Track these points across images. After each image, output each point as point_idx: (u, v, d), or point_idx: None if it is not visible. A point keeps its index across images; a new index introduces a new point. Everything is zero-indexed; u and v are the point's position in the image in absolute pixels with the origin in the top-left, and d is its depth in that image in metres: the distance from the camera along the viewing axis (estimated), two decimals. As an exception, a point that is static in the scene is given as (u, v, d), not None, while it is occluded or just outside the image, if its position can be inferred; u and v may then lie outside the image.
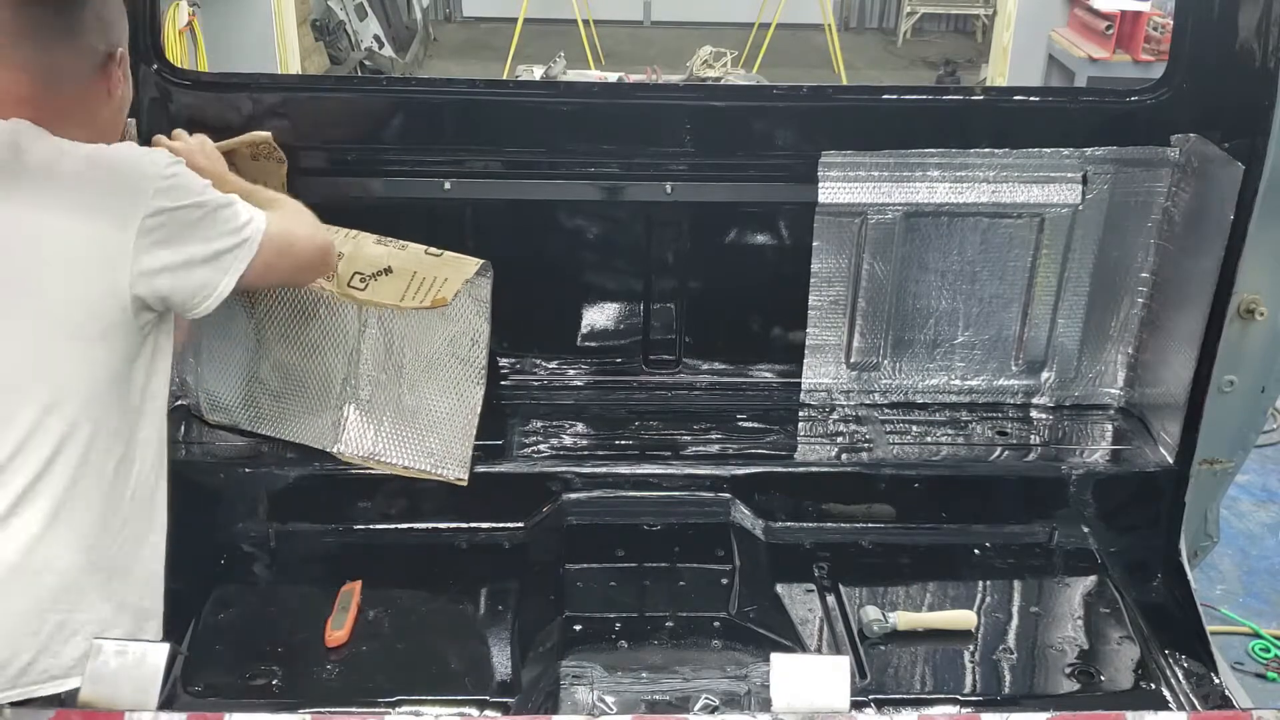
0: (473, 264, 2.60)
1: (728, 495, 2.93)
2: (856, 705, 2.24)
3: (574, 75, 9.30)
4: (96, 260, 1.98)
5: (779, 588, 2.78)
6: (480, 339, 2.72)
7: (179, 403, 3.05)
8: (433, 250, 2.63)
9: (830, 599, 2.75)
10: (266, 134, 2.71)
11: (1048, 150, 2.91)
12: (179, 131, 2.56)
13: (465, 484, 2.81)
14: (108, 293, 1.99)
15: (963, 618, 2.68)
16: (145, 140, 2.53)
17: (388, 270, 2.56)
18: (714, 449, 3.04)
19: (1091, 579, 2.86)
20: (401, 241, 2.66)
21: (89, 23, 2.08)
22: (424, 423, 2.81)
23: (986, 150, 2.92)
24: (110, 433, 2.06)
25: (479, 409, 2.76)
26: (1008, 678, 2.58)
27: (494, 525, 2.90)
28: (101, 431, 2.04)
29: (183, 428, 3.00)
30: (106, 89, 2.13)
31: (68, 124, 2.05)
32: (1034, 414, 3.21)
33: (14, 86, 2.02)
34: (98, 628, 2.07)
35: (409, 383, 2.81)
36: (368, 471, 2.86)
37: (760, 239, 3.09)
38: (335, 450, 2.85)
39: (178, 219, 2.03)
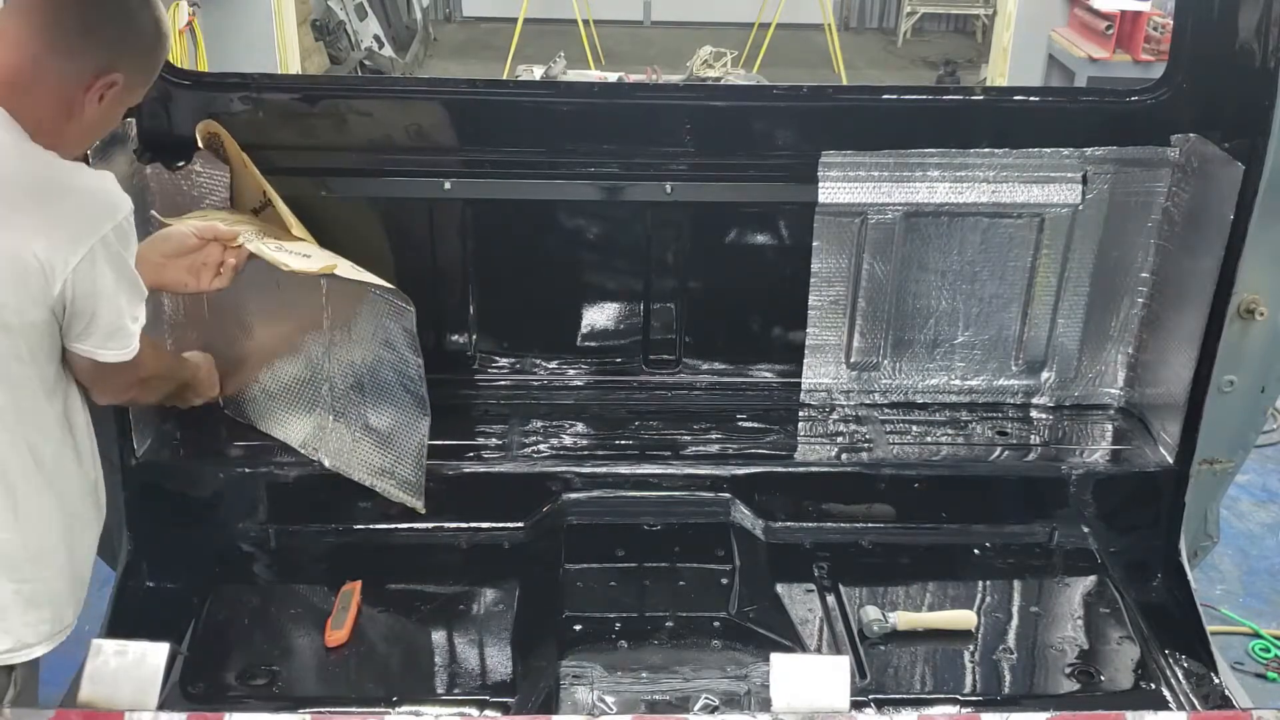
0: (384, 283, 2.59)
1: (728, 495, 2.93)
2: (856, 705, 2.24)
3: (574, 75, 9.30)
4: (40, 260, 1.95)
5: (779, 588, 2.78)
6: (417, 371, 2.70)
7: (179, 403, 3.06)
8: (359, 268, 2.63)
9: (830, 599, 2.75)
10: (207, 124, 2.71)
11: (1048, 150, 2.91)
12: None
13: (423, 512, 2.81)
14: (41, 290, 1.98)
15: (963, 618, 2.68)
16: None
17: (307, 256, 2.57)
18: (714, 449, 3.04)
19: (1091, 579, 2.86)
20: (335, 255, 2.67)
21: (97, 32, 2.05)
22: (382, 443, 2.81)
23: (986, 150, 2.92)
24: (21, 416, 2.07)
25: (426, 439, 2.75)
26: (1008, 678, 2.58)
27: (494, 525, 2.90)
28: (29, 417, 2.07)
29: (185, 428, 3.00)
30: (82, 102, 2.06)
31: (30, 117, 2.01)
32: (1034, 414, 3.21)
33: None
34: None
35: (370, 403, 2.81)
36: (367, 472, 2.86)
37: (760, 239, 3.10)
38: (317, 457, 2.85)
39: (119, 267, 2.05)
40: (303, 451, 2.87)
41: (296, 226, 2.69)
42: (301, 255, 2.57)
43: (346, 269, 2.58)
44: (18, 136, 1.99)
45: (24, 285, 1.96)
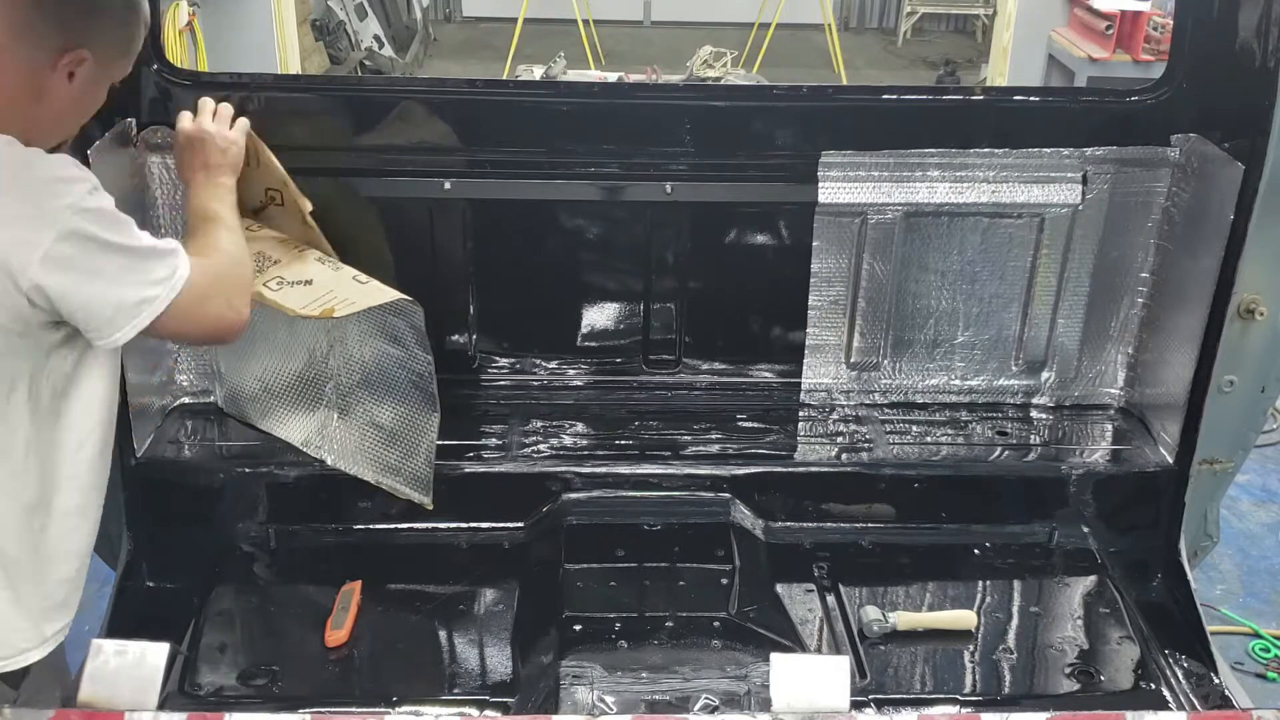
0: (387, 295, 2.57)
1: (728, 495, 2.93)
2: (856, 705, 2.24)
3: (574, 75, 9.30)
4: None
5: (779, 588, 2.78)
6: (426, 368, 2.71)
7: (179, 402, 3.06)
8: (360, 277, 2.60)
9: (830, 599, 2.75)
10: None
11: (1048, 150, 2.91)
12: (204, 115, 2.55)
13: (430, 508, 2.80)
14: (3, 294, 1.91)
15: (963, 618, 2.68)
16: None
17: (308, 282, 2.54)
18: (714, 449, 3.04)
19: (1091, 579, 2.86)
20: (338, 263, 2.65)
21: (58, 9, 1.99)
22: (390, 440, 2.81)
23: (986, 150, 2.92)
24: (14, 416, 2.04)
25: (435, 435, 2.74)
26: (1008, 678, 2.58)
27: (494, 525, 2.90)
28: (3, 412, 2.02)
29: (185, 427, 3.01)
30: (50, 83, 2.01)
31: (3, 112, 1.98)
32: (1034, 414, 3.21)
33: None
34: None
35: (378, 400, 2.81)
36: (367, 472, 2.86)
37: (760, 239, 3.09)
38: (321, 455, 2.85)
39: (90, 252, 1.95)
40: (305, 450, 2.87)
41: (307, 219, 2.69)
42: (303, 284, 2.55)
43: (346, 304, 2.54)
44: None
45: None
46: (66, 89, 2.04)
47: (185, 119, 2.54)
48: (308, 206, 2.68)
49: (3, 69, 1.97)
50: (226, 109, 2.59)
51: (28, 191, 1.93)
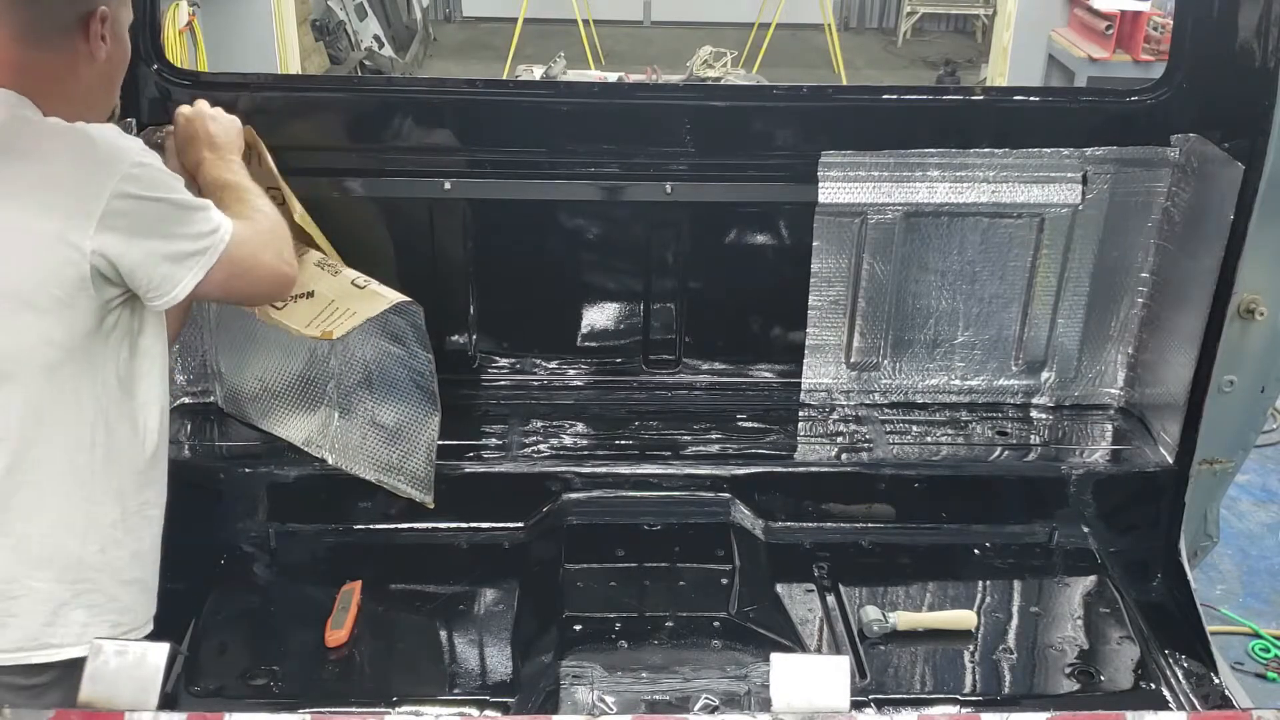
0: (386, 300, 2.56)
1: (728, 495, 2.93)
2: (856, 705, 2.24)
3: (574, 75, 9.30)
4: (55, 234, 1.93)
5: (779, 588, 2.78)
6: (427, 367, 2.71)
7: (179, 402, 3.06)
8: (360, 280, 2.60)
9: (830, 599, 2.75)
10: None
11: (1048, 150, 2.91)
12: (201, 103, 2.57)
13: (432, 507, 2.80)
14: (64, 263, 1.94)
15: (963, 618, 2.68)
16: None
17: (310, 294, 2.54)
18: (714, 449, 3.04)
19: (1091, 579, 2.86)
20: (338, 265, 2.64)
21: None
22: (391, 439, 2.81)
23: (986, 150, 2.92)
24: (78, 410, 2.05)
25: (436, 435, 2.75)
26: (1008, 678, 2.58)
27: (494, 525, 2.90)
28: (66, 407, 2.03)
29: (185, 427, 3.01)
30: (88, 51, 2.06)
31: (52, 91, 2.02)
32: (1034, 414, 3.21)
33: None
34: (47, 611, 2.09)
35: (379, 399, 2.81)
36: (367, 472, 2.86)
37: (760, 239, 3.09)
38: (322, 454, 2.85)
39: (144, 209, 1.99)
40: (306, 449, 2.87)
41: (300, 215, 2.69)
42: (305, 297, 2.54)
43: (347, 315, 2.54)
44: (21, 112, 1.98)
45: (43, 262, 1.93)
46: (105, 52, 2.09)
47: (184, 108, 2.56)
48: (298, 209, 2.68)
49: (39, 57, 2.01)
50: (218, 108, 2.59)
51: (82, 160, 1.98)
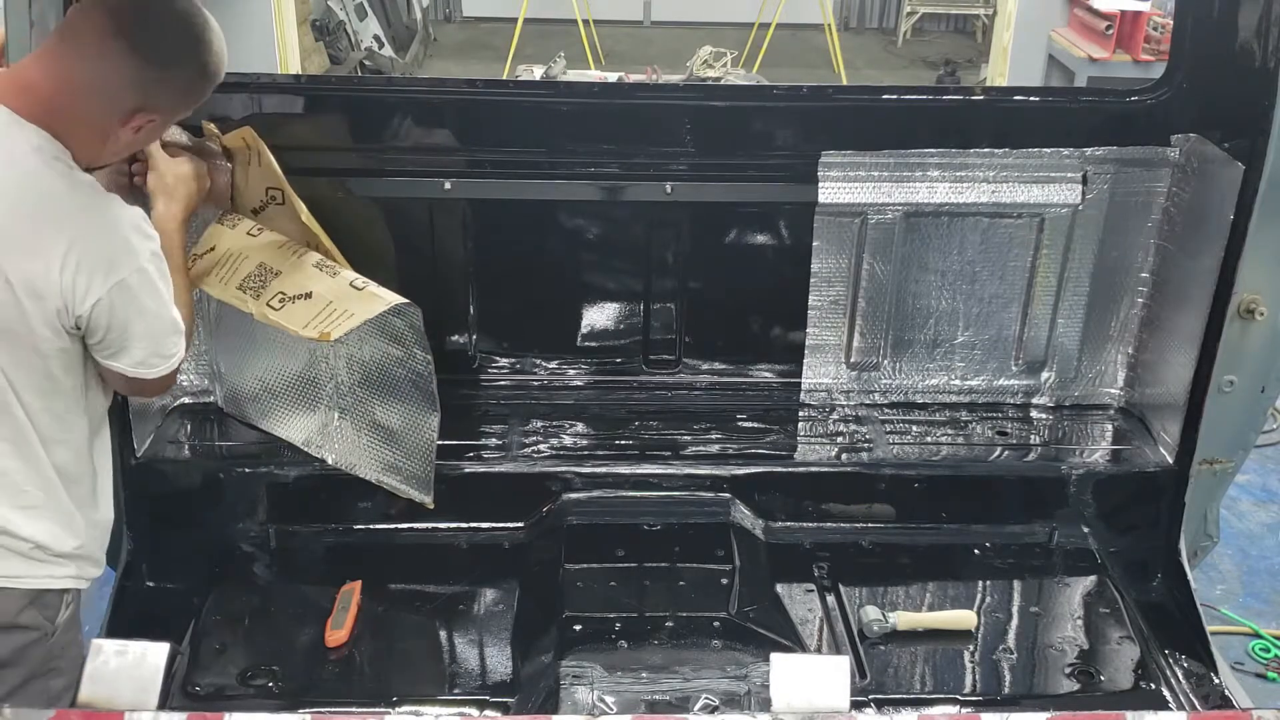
0: (384, 302, 2.56)
1: (728, 495, 2.93)
2: (856, 705, 2.24)
3: (574, 75, 9.30)
4: (56, 293, 1.99)
5: (779, 588, 2.78)
6: (426, 367, 2.71)
7: (179, 402, 3.06)
8: (358, 282, 2.59)
9: (830, 599, 2.75)
10: (246, 128, 2.67)
11: (1048, 150, 2.91)
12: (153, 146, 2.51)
13: (431, 507, 2.81)
14: (53, 318, 2.02)
15: (963, 618, 2.68)
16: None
17: (308, 295, 2.54)
18: (714, 449, 3.04)
19: (1091, 579, 2.86)
20: (337, 266, 2.64)
21: (145, 73, 2.06)
22: (391, 440, 2.81)
23: (986, 150, 2.92)
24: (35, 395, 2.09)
25: (436, 435, 2.75)
26: (1008, 678, 2.58)
27: (494, 525, 2.90)
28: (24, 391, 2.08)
29: (185, 427, 3.01)
30: (114, 134, 2.09)
31: (68, 138, 2.04)
32: (1034, 414, 3.21)
33: (36, 69, 2.04)
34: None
35: (378, 399, 2.81)
36: (367, 472, 2.86)
37: (760, 239, 3.10)
38: (322, 454, 2.85)
39: (136, 308, 2.07)
40: (305, 449, 2.87)
41: (305, 214, 2.69)
42: (303, 297, 2.55)
43: (345, 317, 2.53)
44: (63, 161, 2.03)
45: (41, 305, 1.99)
46: (130, 138, 2.13)
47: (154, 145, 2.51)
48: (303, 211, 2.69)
49: (82, 115, 2.05)
50: (176, 132, 2.57)
51: (109, 234, 2.04)
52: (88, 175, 2.06)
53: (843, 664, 1.92)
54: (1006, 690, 2.54)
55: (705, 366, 3.22)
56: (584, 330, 3.19)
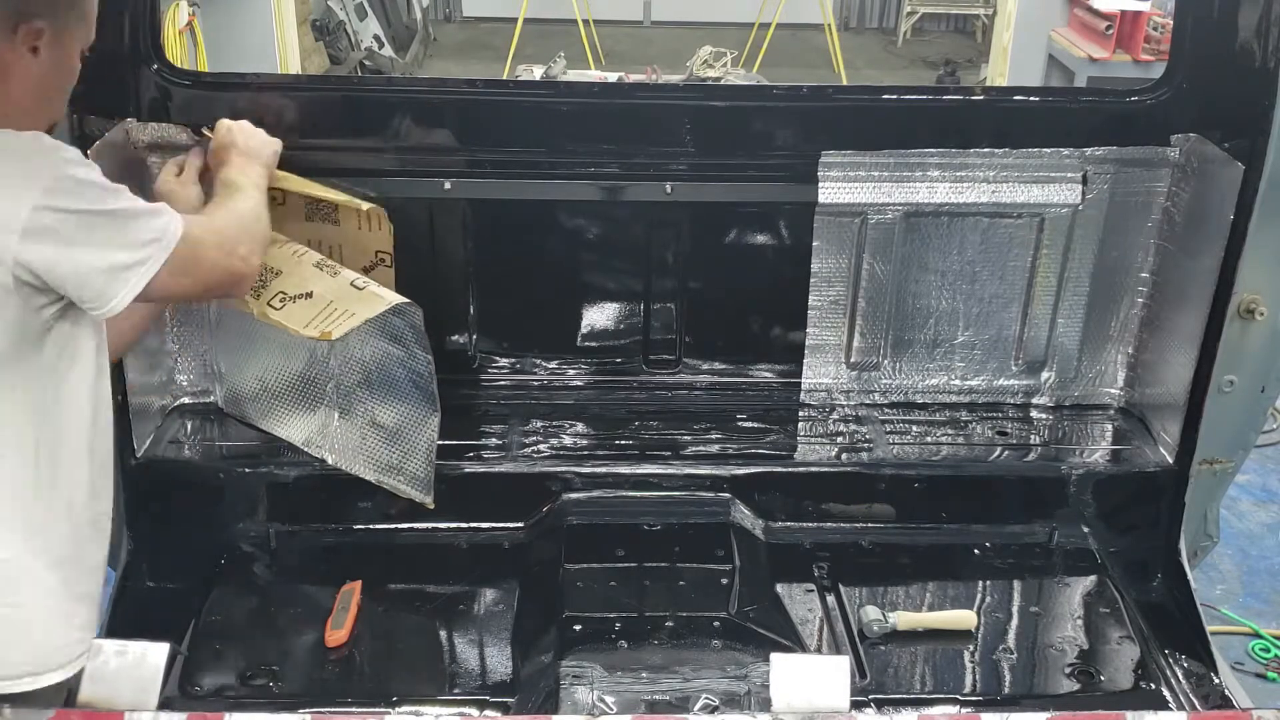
0: (385, 302, 2.56)
1: (728, 495, 2.93)
2: (856, 705, 2.24)
3: (574, 75, 9.30)
4: None
5: (779, 588, 2.78)
6: (426, 367, 2.71)
7: (179, 402, 3.06)
8: (359, 282, 2.59)
9: (830, 599, 2.75)
10: (373, 205, 2.73)
11: (1048, 150, 2.91)
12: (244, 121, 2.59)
13: (432, 507, 2.80)
14: None
15: (963, 618, 2.68)
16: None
17: (309, 294, 2.54)
18: (714, 449, 3.04)
19: (1091, 579, 2.86)
20: (337, 266, 2.64)
21: None
22: (391, 440, 2.81)
23: (986, 150, 2.91)
24: (19, 417, 2.01)
25: (436, 435, 2.75)
26: (1008, 678, 2.58)
27: (494, 525, 2.90)
28: (10, 416, 1.99)
29: (185, 427, 3.01)
30: (15, 58, 1.97)
31: None
32: (1034, 414, 3.21)
33: None
34: (47, 620, 2.07)
35: (379, 399, 2.81)
36: (367, 472, 2.86)
37: (760, 239, 3.09)
38: (322, 454, 2.85)
39: (70, 222, 1.92)
40: (306, 449, 2.87)
41: (305, 183, 2.71)
42: (304, 297, 2.54)
43: (345, 316, 2.53)
44: None
45: None
46: (34, 64, 2.01)
47: (225, 120, 2.58)
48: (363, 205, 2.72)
49: None
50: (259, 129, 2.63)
51: (4, 166, 1.91)
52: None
53: (843, 664, 1.92)
54: (1006, 690, 2.54)
55: (705, 366, 3.22)
56: (584, 330, 3.19)
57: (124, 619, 2.63)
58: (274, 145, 2.60)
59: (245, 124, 2.59)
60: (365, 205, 2.73)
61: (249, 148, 2.54)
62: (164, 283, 2.05)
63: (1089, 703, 2.49)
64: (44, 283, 1.94)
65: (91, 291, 1.97)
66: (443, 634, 2.66)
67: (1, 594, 2.05)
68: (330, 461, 2.85)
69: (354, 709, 2.41)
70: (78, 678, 2.02)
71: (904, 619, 2.64)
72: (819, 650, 2.61)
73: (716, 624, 2.60)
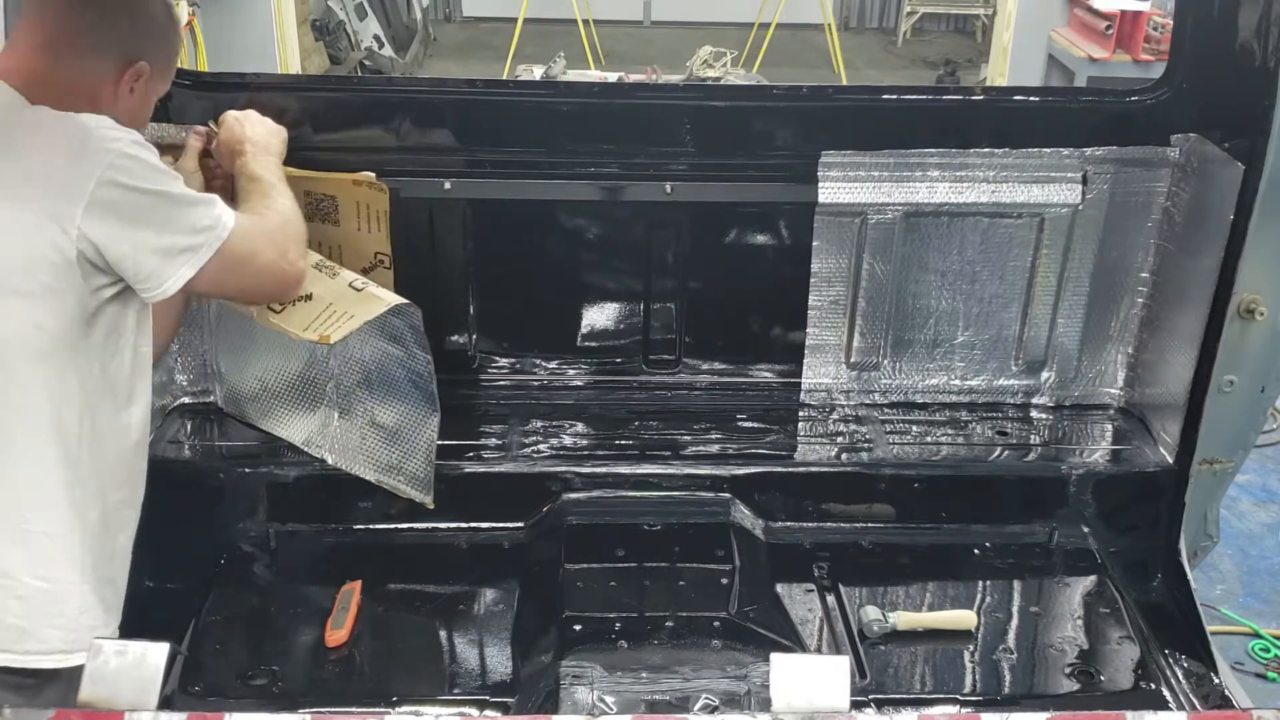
0: (384, 303, 2.56)
1: (728, 495, 2.93)
2: (856, 705, 2.24)
3: (574, 75, 9.30)
4: (42, 218, 1.94)
5: (779, 588, 2.78)
6: (426, 367, 2.71)
7: (179, 402, 3.06)
8: (358, 283, 2.59)
9: (830, 599, 2.75)
10: (369, 174, 2.74)
11: (1048, 150, 2.91)
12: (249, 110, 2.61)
13: (432, 507, 2.80)
14: (51, 247, 1.94)
15: (963, 618, 2.68)
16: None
17: (308, 296, 2.53)
18: (714, 449, 3.04)
19: (1091, 579, 2.86)
20: (337, 268, 2.64)
21: (114, 25, 2.08)
22: (391, 440, 2.81)
23: (986, 150, 2.91)
24: (65, 400, 2.04)
25: (436, 435, 2.75)
26: (1008, 678, 2.58)
27: (494, 525, 2.90)
28: (54, 397, 2.03)
29: (185, 427, 3.01)
30: (113, 93, 2.11)
31: (65, 106, 2.03)
32: (1034, 414, 3.21)
33: (23, 48, 2.04)
34: (81, 599, 2.10)
35: (378, 399, 2.81)
36: (366, 472, 2.86)
37: (760, 239, 3.09)
38: (322, 454, 2.85)
39: (133, 199, 1.99)
40: (305, 449, 2.87)
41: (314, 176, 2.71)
42: (303, 300, 2.53)
43: (344, 318, 2.53)
44: (7, 99, 1.99)
45: (31, 246, 1.94)
46: (128, 101, 2.12)
47: (231, 112, 2.60)
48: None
49: (69, 85, 2.04)
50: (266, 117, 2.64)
51: (72, 143, 1.98)
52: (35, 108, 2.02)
53: (843, 664, 1.92)
54: (1006, 690, 2.54)
55: (705, 366, 3.22)
56: (584, 330, 3.19)
57: (124, 618, 2.63)
58: (281, 134, 2.61)
59: (252, 113, 2.59)
60: (360, 176, 2.72)
61: (260, 138, 2.54)
62: (214, 277, 2.09)
63: (1089, 703, 2.49)
64: (103, 260, 1.99)
65: (146, 271, 2.02)
66: (443, 634, 2.66)
67: (41, 570, 2.09)
68: (330, 461, 2.85)
69: (354, 709, 2.41)
70: None
71: (904, 619, 2.64)
72: (819, 650, 2.61)
73: (716, 624, 2.60)
